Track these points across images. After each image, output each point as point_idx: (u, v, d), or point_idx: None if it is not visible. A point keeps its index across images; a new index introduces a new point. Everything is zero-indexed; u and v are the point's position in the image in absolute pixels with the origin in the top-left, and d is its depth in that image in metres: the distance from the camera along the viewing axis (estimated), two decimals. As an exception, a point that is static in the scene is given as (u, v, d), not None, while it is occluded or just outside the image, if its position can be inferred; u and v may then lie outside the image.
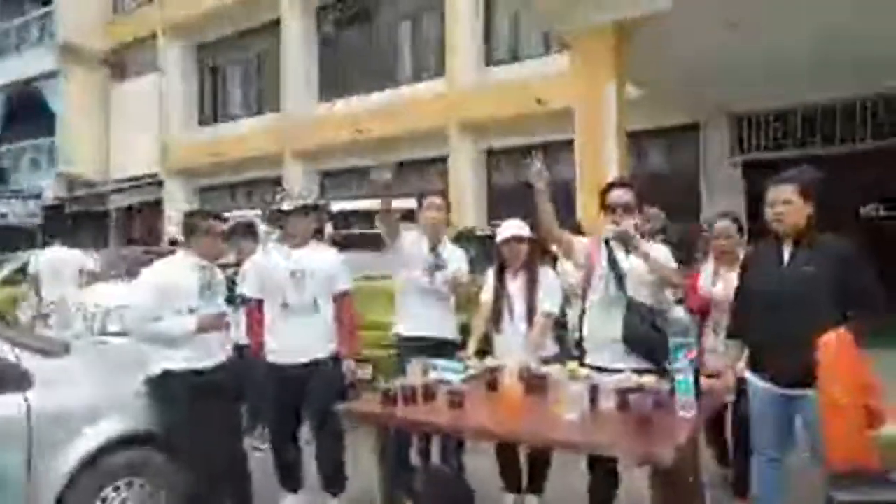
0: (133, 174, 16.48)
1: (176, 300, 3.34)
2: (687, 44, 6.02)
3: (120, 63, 17.65)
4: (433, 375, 3.04)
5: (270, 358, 3.66)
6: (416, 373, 3.03)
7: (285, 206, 3.66)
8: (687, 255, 4.34)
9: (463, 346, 3.66)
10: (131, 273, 8.27)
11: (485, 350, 3.57)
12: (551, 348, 3.54)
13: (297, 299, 3.61)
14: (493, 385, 2.89)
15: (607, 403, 2.56)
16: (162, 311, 3.30)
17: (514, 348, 3.43)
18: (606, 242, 3.27)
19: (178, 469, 3.35)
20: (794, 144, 8.50)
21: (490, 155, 11.68)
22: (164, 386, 3.32)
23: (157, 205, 16.35)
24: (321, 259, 3.74)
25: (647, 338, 3.09)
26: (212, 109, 16.25)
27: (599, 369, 2.98)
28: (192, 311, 3.35)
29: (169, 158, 15.95)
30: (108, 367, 3.68)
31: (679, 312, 2.66)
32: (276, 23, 14.04)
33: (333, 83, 13.67)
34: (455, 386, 2.79)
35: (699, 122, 9.09)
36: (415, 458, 3.77)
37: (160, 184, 16.20)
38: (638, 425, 2.30)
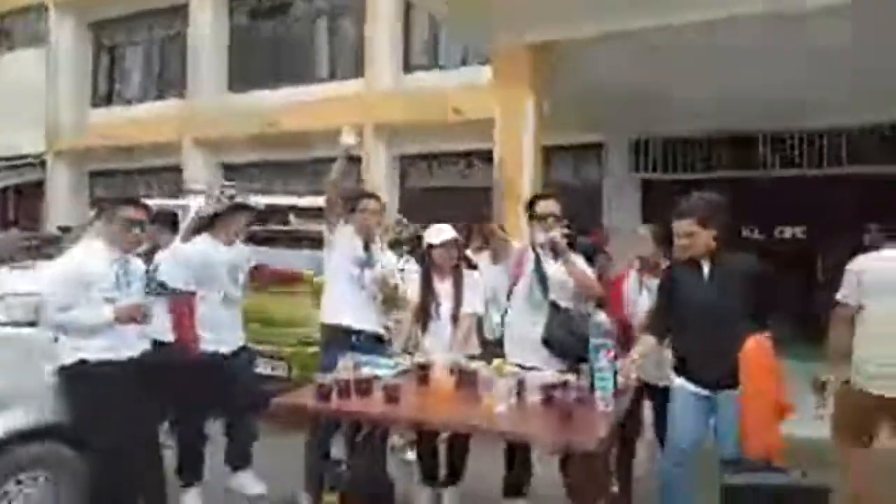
0: (12, 154, 15.18)
1: (91, 289, 3.22)
2: (599, 67, 6.42)
3: (4, 31, 16.24)
4: (364, 370, 3.12)
5: (207, 346, 3.74)
6: (347, 367, 3.10)
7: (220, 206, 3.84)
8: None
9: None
10: (13, 259, 7.73)
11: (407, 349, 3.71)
12: (475, 347, 3.71)
13: (234, 292, 3.85)
14: (424, 380, 3.02)
15: (532, 398, 2.75)
16: (76, 300, 3.18)
17: (441, 346, 3.58)
18: (534, 249, 3.50)
19: (86, 462, 3.24)
20: (688, 168, 9.25)
21: (403, 159, 11.80)
22: (78, 376, 3.20)
23: (38, 186, 15.16)
24: (244, 254, 4.06)
25: (564, 340, 3.34)
26: (106, 90, 15.28)
27: (521, 367, 3.19)
28: (108, 300, 3.25)
29: (56, 139, 14.85)
30: (12, 356, 3.47)
31: (600, 316, 2.90)
32: (185, 6, 13.47)
33: (244, 74, 13.30)
34: (389, 380, 2.89)
35: (602, 142, 9.66)
36: (337, 451, 3.82)
37: (42, 164, 15.04)
38: (561, 418, 2.51)
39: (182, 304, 3.73)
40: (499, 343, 3.69)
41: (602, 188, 9.73)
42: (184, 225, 5.42)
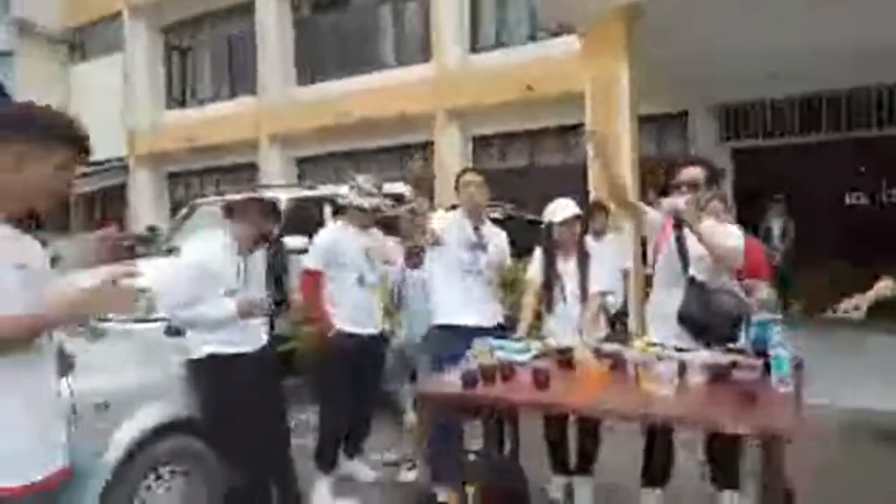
0: (96, 158, 15.77)
1: (216, 283, 3.19)
2: (684, 32, 6.03)
3: (80, 42, 16.86)
4: (499, 355, 2.96)
5: (343, 327, 3.77)
6: (483, 353, 2.96)
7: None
8: None
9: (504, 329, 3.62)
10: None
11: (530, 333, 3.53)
12: (603, 328, 3.51)
13: (370, 276, 3.89)
14: (567, 364, 2.83)
15: (695, 380, 2.54)
16: (201, 295, 3.15)
17: (568, 329, 3.40)
18: (677, 220, 3.25)
19: (218, 456, 3.22)
20: (779, 134, 8.71)
21: (475, 141, 11.61)
22: (207, 369, 3.17)
23: (121, 189, 15.73)
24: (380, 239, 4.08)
25: (699, 318, 3.09)
26: (180, 93, 15.67)
27: (661, 346, 2.96)
28: (232, 293, 3.21)
29: (136, 143, 15.34)
30: (145, 352, 3.50)
31: (765, 291, 2.65)
32: (250, 5, 13.62)
33: (311, 67, 13.36)
34: (535, 364, 2.73)
35: (687, 111, 9.21)
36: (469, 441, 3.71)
37: (125, 168, 15.58)
38: (742, 400, 2.28)
39: (308, 280, 3.76)
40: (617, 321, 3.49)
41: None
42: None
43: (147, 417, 3.05)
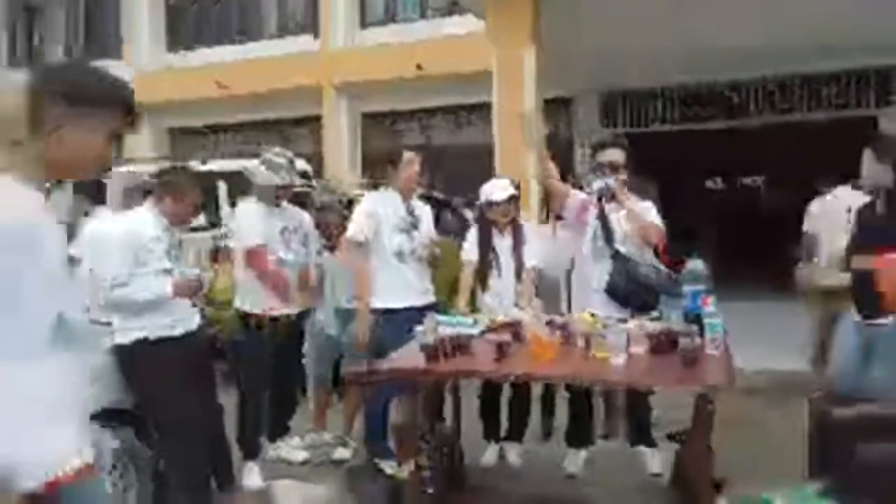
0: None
1: (147, 261, 2.99)
2: (579, 19, 6.33)
3: None
4: (448, 331, 3.03)
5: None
6: (431, 329, 3.01)
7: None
8: None
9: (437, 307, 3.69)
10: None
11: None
12: (536, 302, 3.69)
13: (288, 255, 3.72)
14: (517, 336, 2.96)
15: (638, 347, 2.76)
16: (132, 273, 2.94)
17: (505, 303, 3.54)
18: (599, 199, 3.48)
19: (150, 446, 3.05)
20: (660, 121, 9.45)
21: (365, 118, 11.48)
22: (139, 355, 2.97)
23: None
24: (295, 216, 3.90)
25: (627, 289, 3.36)
26: (25, 52, 14.02)
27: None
28: (160, 273, 3.02)
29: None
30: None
31: (696, 263, 2.93)
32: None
33: (184, 33, 12.48)
34: (494, 336, 2.83)
35: (571, 97, 9.70)
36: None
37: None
38: (685, 362, 2.53)
39: (257, 254, 3.60)
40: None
41: (573, 143, 9.79)
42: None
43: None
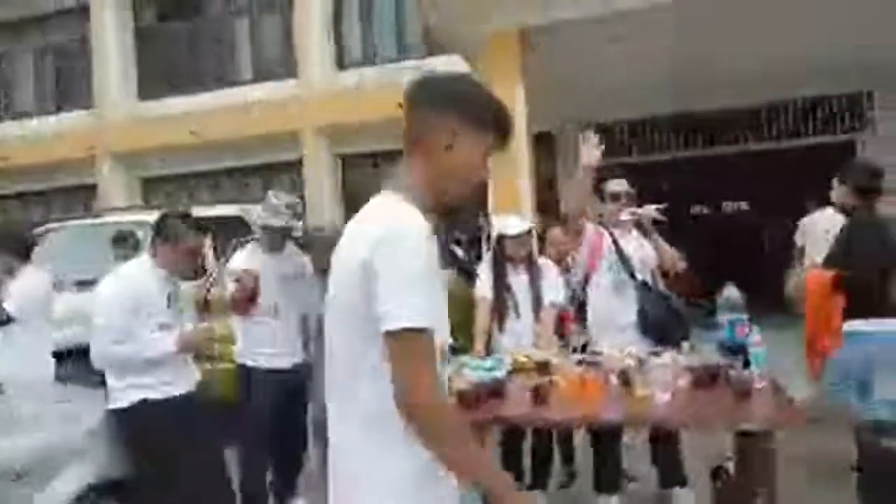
0: None
1: (147, 316, 2.77)
2: (564, 56, 6.37)
3: None
4: (473, 376, 2.84)
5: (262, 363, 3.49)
6: (455, 374, 2.82)
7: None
8: None
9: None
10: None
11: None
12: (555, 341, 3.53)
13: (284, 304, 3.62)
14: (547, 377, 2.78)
15: (681, 382, 2.60)
16: (132, 330, 2.72)
17: (523, 343, 3.37)
18: (608, 230, 3.37)
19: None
20: (645, 152, 9.51)
21: (345, 160, 11.37)
22: (140, 418, 2.73)
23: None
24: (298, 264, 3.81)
25: (661, 320, 3.23)
26: (-6, 104, 13.70)
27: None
28: (162, 327, 2.81)
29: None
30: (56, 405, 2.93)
31: (731, 290, 2.81)
32: (83, 10, 12.29)
33: (156, 80, 12.31)
34: (527, 381, 2.65)
35: (552, 131, 9.71)
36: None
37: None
38: (739, 397, 2.38)
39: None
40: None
41: (557, 179, 9.77)
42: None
43: (68, 483, 2.54)
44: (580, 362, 2.83)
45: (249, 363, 3.53)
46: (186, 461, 2.73)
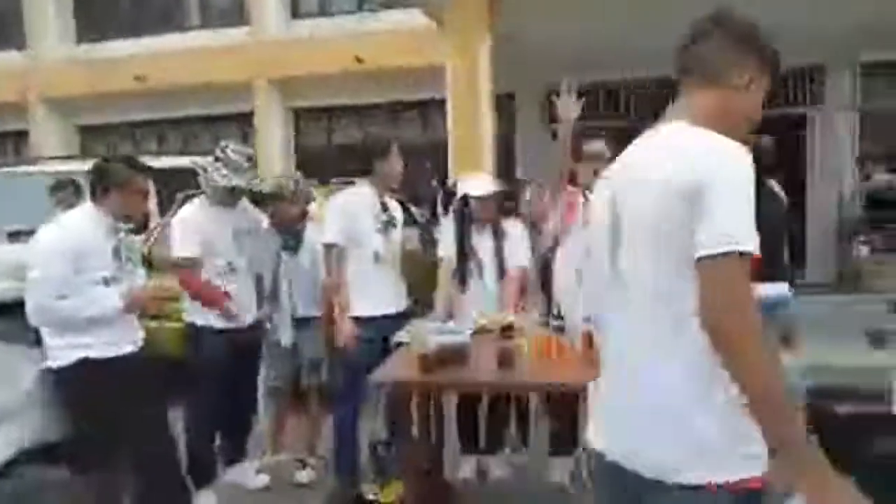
0: None
1: (88, 269, 2.58)
2: (524, 16, 6.19)
3: None
4: (438, 338, 2.77)
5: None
6: (418, 337, 2.75)
7: None
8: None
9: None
10: None
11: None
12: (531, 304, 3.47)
13: (239, 261, 3.44)
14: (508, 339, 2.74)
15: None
16: (75, 285, 2.53)
17: (485, 305, 3.30)
18: (584, 193, 3.29)
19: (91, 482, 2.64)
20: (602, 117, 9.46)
21: (299, 113, 11.00)
22: (82, 378, 2.56)
23: None
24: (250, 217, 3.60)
25: None
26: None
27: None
28: (107, 282, 2.62)
29: None
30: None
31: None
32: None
33: (95, 23, 11.57)
34: (501, 344, 2.59)
35: (514, 92, 9.58)
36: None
37: None
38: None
39: (187, 273, 3.23)
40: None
41: (515, 140, 9.68)
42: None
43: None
44: (545, 325, 2.78)
45: (200, 322, 3.35)
46: (129, 424, 2.58)
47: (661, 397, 1.27)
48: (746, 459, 1.24)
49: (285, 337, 3.63)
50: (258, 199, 3.70)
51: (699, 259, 1.17)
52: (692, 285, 1.20)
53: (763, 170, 2.80)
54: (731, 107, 1.36)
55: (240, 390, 3.46)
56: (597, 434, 1.43)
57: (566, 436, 3.44)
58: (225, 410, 3.42)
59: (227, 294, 3.27)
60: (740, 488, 1.22)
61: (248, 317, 3.43)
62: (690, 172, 1.21)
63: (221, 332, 3.31)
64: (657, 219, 1.26)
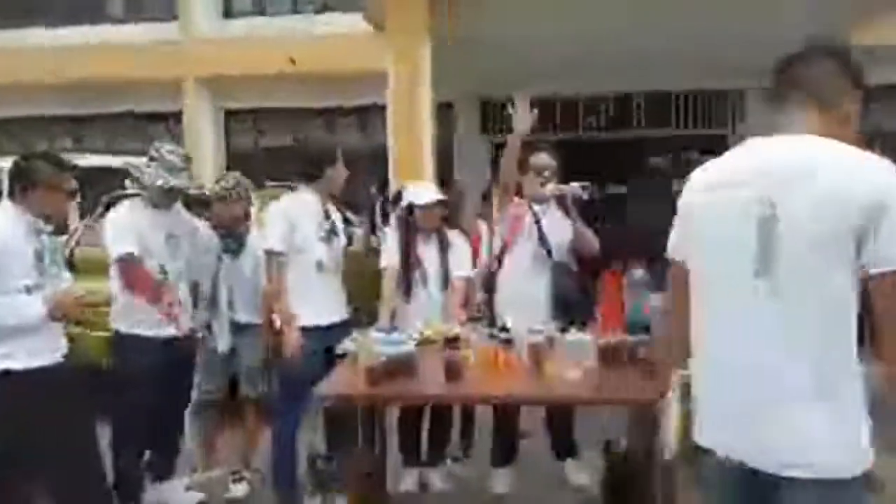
0: None
1: (8, 274, 2.40)
2: (466, 25, 6.23)
3: None
4: (384, 349, 2.73)
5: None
6: (365, 348, 2.70)
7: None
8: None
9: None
10: None
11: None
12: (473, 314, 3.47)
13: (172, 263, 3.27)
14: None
15: (590, 361, 2.62)
16: None
17: (429, 316, 3.28)
18: (529, 205, 3.34)
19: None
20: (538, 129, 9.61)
21: (229, 115, 10.67)
22: (2, 392, 2.39)
23: None
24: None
25: (574, 298, 3.26)
26: None
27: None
28: (29, 290, 2.45)
29: None
30: None
31: (637, 270, 2.86)
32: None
33: (9, 8, 10.85)
34: (454, 355, 2.56)
35: (452, 102, 9.62)
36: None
37: None
38: (644, 375, 2.43)
39: (130, 268, 3.05)
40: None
41: (453, 148, 9.72)
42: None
43: None
44: (491, 337, 2.79)
45: (124, 329, 3.18)
46: (53, 438, 2.42)
47: (793, 394, 1.36)
48: (867, 452, 1.37)
49: (223, 343, 3.50)
50: (190, 202, 3.56)
51: (884, 273, 1.30)
52: (844, 291, 1.33)
53: None
54: (838, 132, 1.45)
55: (171, 403, 3.30)
56: (715, 435, 1.49)
57: (507, 447, 3.47)
58: (154, 424, 3.25)
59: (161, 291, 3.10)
60: (865, 479, 1.35)
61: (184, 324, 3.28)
62: (872, 187, 1.30)
63: (150, 339, 3.15)
64: (821, 224, 1.33)
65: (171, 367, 3.20)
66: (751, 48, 6.84)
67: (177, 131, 10.29)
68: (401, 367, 2.50)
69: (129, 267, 3.04)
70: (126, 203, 3.31)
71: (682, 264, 1.65)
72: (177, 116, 10.26)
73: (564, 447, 3.53)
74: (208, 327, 3.50)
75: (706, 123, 9.44)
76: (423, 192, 3.37)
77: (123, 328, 3.18)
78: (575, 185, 3.26)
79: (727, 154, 1.59)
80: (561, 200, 3.28)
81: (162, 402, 3.21)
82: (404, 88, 5.69)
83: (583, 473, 3.44)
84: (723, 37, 6.61)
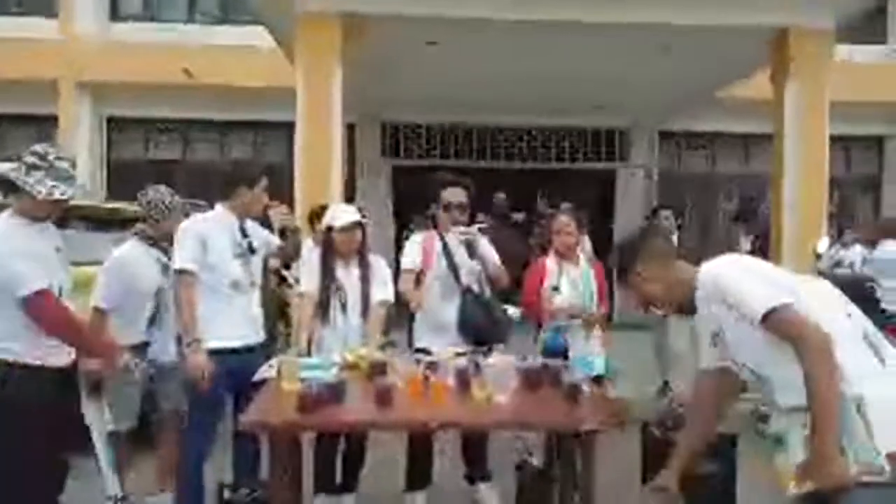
0: None
1: None
2: (373, 51, 6.31)
3: None
4: (309, 374, 2.67)
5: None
6: (290, 375, 2.63)
7: None
8: None
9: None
10: None
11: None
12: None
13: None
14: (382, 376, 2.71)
15: (513, 384, 2.70)
16: None
17: (349, 341, 3.24)
18: (440, 236, 3.43)
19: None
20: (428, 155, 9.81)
21: (112, 123, 9.99)
22: None
23: None
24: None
25: (481, 325, 3.36)
26: None
27: (426, 352, 3.15)
28: None
29: None
30: None
31: (560, 298, 3.00)
32: None
33: None
34: (384, 381, 2.54)
35: (354, 124, 9.58)
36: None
37: None
38: (569, 399, 2.53)
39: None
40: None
41: (355, 171, 9.65)
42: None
43: None
44: (417, 362, 2.79)
45: (9, 357, 2.84)
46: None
47: None
48: None
49: (168, 355, 3.24)
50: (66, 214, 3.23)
51: None
52: None
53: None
54: None
55: (62, 432, 3.00)
56: None
57: (423, 472, 3.47)
58: (49, 462, 2.92)
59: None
60: None
61: (70, 352, 2.98)
62: None
63: (40, 369, 2.84)
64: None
65: (63, 398, 2.91)
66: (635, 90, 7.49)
67: (50, 136, 9.47)
68: (331, 395, 2.44)
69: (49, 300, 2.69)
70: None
71: None
72: (51, 120, 9.45)
73: (477, 469, 3.58)
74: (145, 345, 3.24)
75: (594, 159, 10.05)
76: (341, 213, 3.34)
77: (7, 357, 2.85)
78: (474, 228, 3.42)
79: None
80: (467, 242, 3.40)
81: (51, 432, 2.90)
82: (314, 109, 5.62)
83: (494, 496, 3.50)
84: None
